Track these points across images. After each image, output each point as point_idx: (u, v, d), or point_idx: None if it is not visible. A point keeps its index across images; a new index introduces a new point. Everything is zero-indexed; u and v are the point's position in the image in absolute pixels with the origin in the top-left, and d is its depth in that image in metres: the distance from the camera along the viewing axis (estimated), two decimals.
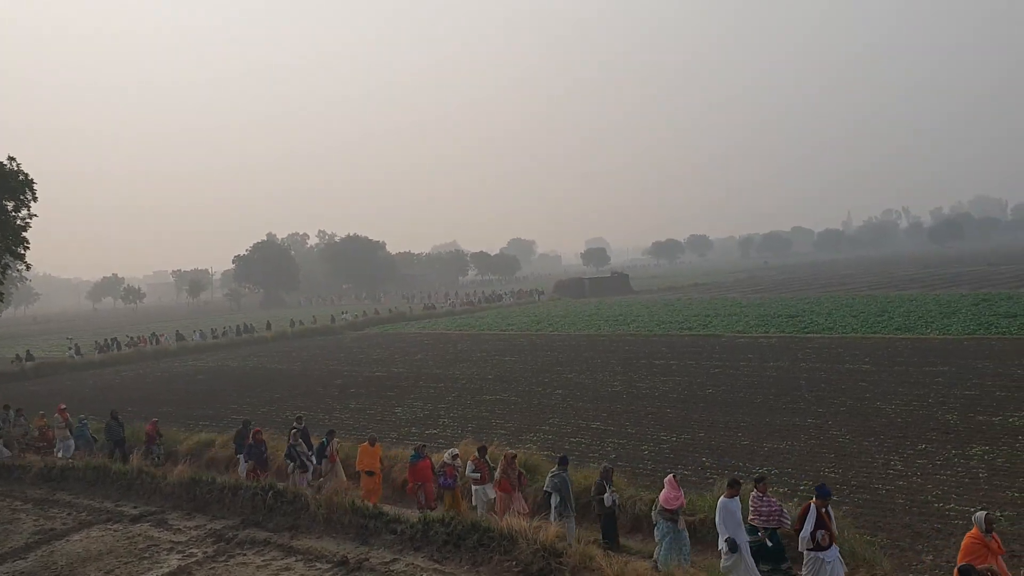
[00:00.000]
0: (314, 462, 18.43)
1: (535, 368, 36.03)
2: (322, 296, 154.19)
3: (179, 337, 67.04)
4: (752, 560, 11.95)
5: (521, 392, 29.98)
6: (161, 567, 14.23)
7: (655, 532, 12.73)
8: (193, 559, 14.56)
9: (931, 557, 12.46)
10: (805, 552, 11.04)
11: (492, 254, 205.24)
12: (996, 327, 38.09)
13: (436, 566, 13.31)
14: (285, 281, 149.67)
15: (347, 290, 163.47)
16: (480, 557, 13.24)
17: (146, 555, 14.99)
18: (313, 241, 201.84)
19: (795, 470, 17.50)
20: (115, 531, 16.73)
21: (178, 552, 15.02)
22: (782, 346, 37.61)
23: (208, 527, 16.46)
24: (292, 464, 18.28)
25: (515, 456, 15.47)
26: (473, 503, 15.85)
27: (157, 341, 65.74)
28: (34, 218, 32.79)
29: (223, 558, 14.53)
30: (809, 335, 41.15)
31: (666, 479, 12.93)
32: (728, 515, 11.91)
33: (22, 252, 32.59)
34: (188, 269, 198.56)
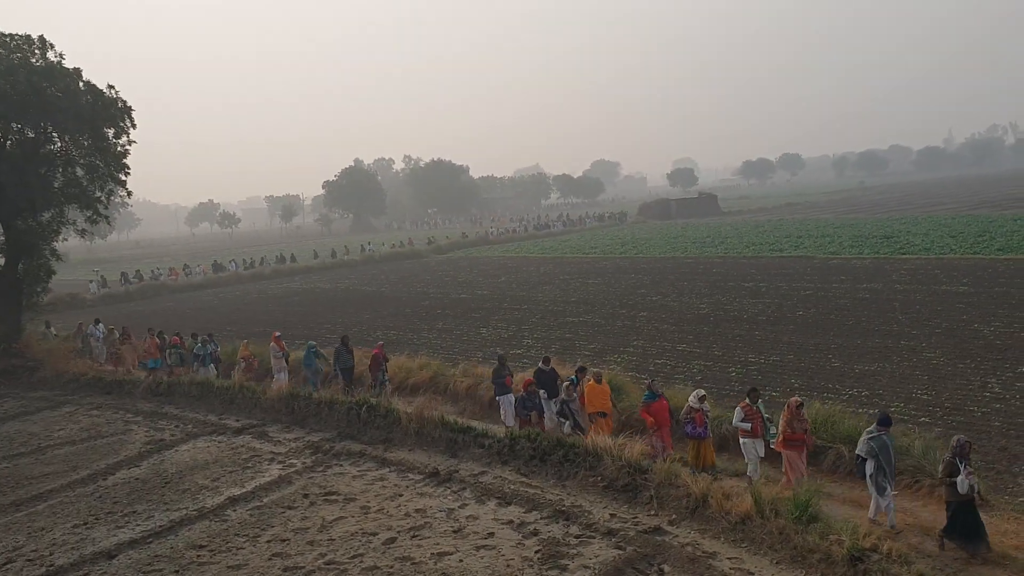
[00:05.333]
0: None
1: (619, 291, 35.94)
2: (410, 220, 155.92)
3: (217, 268, 65.78)
4: None
5: (605, 315, 30.01)
6: (263, 476, 15.07)
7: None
8: (293, 469, 15.35)
9: None
10: None
11: (575, 176, 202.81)
12: None
13: (523, 479, 13.69)
14: (373, 206, 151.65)
15: (433, 214, 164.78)
16: (566, 471, 13.55)
17: (249, 465, 15.88)
18: (399, 166, 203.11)
19: (887, 392, 17.18)
20: (219, 442, 17.75)
21: (279, 462, 15.85)
22: (876, 268, 36.48)
23: (306, 439, 17.27)
24: (566, 423, 15.19)
25: (801, 404, 12.59)
26: (746, 458, 13.08)
27: (189, 273, 64.97)
28: (133, 144, 33.78)
29: (321, 468, 15.28)
30: (905, 256, 39.73)
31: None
32: None
33: (123, 178, 33.69)
34: (280, 195, 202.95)
